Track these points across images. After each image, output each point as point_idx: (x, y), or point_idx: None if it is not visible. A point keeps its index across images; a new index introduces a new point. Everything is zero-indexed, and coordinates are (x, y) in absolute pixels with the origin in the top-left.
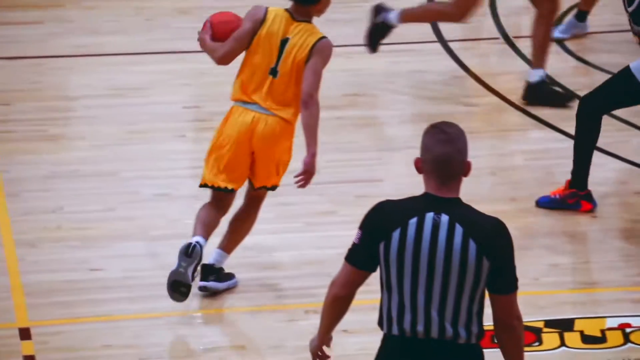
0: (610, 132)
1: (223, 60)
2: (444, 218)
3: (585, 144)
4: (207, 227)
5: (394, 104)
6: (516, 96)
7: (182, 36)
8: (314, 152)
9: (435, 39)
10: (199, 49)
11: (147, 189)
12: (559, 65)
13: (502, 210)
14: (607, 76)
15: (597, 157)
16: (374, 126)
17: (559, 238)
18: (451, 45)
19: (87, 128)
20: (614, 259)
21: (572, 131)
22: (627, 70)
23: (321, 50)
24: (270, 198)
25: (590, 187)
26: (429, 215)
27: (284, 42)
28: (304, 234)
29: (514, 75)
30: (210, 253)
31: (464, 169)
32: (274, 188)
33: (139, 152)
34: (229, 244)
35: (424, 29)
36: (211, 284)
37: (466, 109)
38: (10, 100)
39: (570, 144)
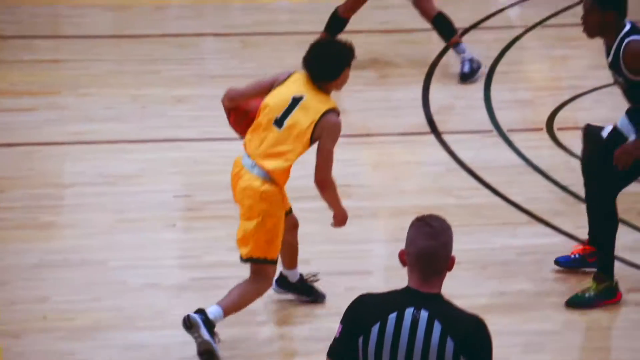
0: None
1: (230, 92)
2: (424, 314)
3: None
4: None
5: (385, 196)
6: (508, 190)
7: (178, 124)
8: (337, 213)
9: (429, 131)
10: (194, 137)
11: (135, 279)
12: None
13: (490, 304)
14: None
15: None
16: (365, 217)
17: (545, 336)
18: (445, 137)
19: (77, 216)
20: (604, 358)
21: (564, 227)
22: (614, 129)
23: (329, 129)
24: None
25: (581, 283)
26: (409, 311)
27: (298, 99)
28: (296, 326)
29: (506, 169)
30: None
31: (448, 264)
32: (251, 260)
33: (128, 241)
34: (224, 303)
35: (419, 120)
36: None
37: (457, 201)
38: (2, 187)
39: (561, 238)
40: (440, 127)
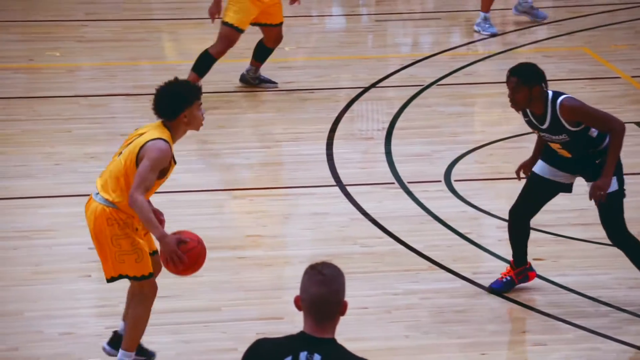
0: (497, 273)
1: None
2: (317, 358)
3: (517, 238)
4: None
5: (295, 245)
6: (410, 238)
7: (89, 180)
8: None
9: (334, 183)
10: None
11: (51, 328)
12: None
13: (397, 346)
14: None
15: (488, 297)
16: (275, 266)
17: None
18: (349, 189)
19: None
20: None
21: (463, 272)
22: (533, 175)
23: (149, 150)
24: (172, 335)
25: (480, 324)
26: (303, 355)
27: (141, 134)
28: None
29: (407, 219)
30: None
31: (340, 309)
32: (134, 278)
33: (44, 292)
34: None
35: (325, 174)
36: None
37: (362, 249)
38: None
39: (461, 282)
40: (345, 179)
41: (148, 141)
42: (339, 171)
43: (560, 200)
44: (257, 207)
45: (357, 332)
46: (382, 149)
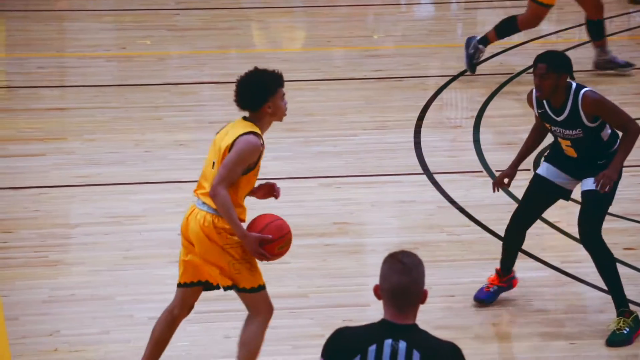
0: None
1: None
2: (402, 345)
3: (511, 245)
4: None
5: (381, 232)
6: (498, 227)
7: (178, 167)
8: (237, 234)
9: (422, 171)
10: (194, 178)
11: (141, 313)
12: None
13: (484, 334)
14: None
15: (576, 286)
16: (362, 253)
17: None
18: (436, 177)
19: (85, 254)
20: None
21: (550, 260)
22: (536, 176)
23: (237, 143)
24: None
25: (567, 314)
26: (388, 342)
27: (223, 137)
28: (291, 356)
29: (495, 207)
30: None
31: (420, 297)
32: (250, 290)
33: (134, 276)
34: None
35: (412, 162)
36: None
37: (449, 238)
38: (12, 227)
39: (550, 272)
40: (432, 167)
41: (238, 137)
42: (427, 159)
43: None
44: (344, 195)
45: (444, 320)
46: (471, 137)
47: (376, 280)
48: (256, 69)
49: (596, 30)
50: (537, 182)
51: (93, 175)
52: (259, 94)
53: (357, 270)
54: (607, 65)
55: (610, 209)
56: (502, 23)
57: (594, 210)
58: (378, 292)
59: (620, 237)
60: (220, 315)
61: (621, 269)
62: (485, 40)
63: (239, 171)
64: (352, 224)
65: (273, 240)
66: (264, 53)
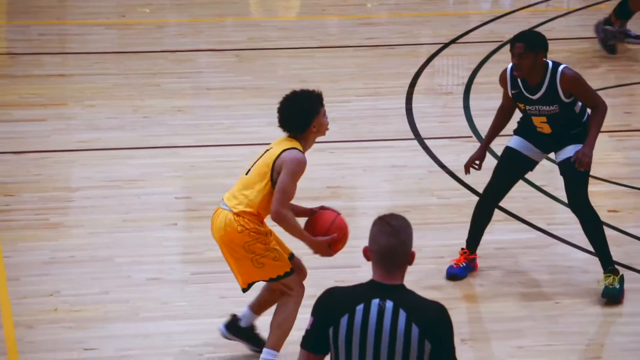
0: (574, 223)
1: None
2: (389, 304)
3: (480, 220)
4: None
5: (373, 196)
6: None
7: (176, 132)
8: (308, 244)
9: (413, 137)
10: (191, 143)
11: (139, 274)
12: None
13: (472, 294)
14: None
15: (562, 247)
16: (354, 216)
17: (523, 322)
18: (427, 142)
19: (84, 217)
20: (576, 342)
21: (538, 223)
22: (508, 149)
23: (287, 162)
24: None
25: (552, 274)
26: (375, 302)
27: (268, 149)
28: None
29: (484, 172)
30: None
31: (408, 259)
32: (277, 278)
33: (132, 239)
34: (272, 341)
35: (404, 127)
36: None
37: (439, 201)
38: (14, 191)
39: (536, 234)
40: (423, 133)
41: (282, 151)
42: (418, 125)
43: (636, 153)
44: (337, 160)
45: (433, 280)
46: (461, 104)
47: (367, 243)
48: (296, 92)
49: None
50: (510, 155)
51: (93, 140)
52: (304, 118)
53: (349, 233)
54: (616, 35)
55: (597, 173)
56: (618, 5)
57: (579, 177)
58: (367, 253)
59: (605, 200)
60: (216, 276)
61: (605, 231)
62: (609, 21)
63: (294, 189)
64: (344, 188)
65: (338, 239)
66: (260, 21)
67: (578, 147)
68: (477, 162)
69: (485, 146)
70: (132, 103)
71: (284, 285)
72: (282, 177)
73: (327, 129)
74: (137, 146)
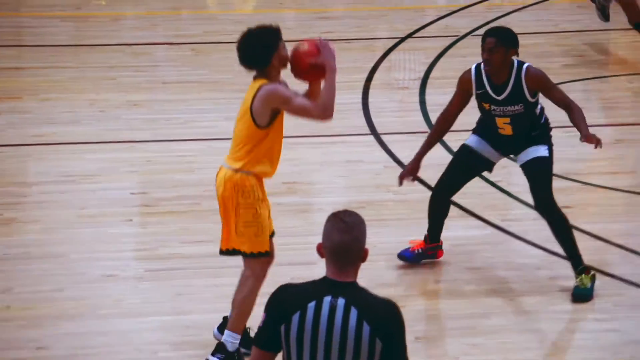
0: (528, 220)
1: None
2: (341, 301)
3: (437, 213)
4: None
5: (329, 192)
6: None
7: (132, 127)
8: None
9: (369, 132)
10: (148, 138)
11: (94, 270)
12: None
13: (429, 290)
14: None
15: (516, 244)
16: (310, 212)
17: (478, 319)
18: (383, 137)
19: (40, 212)
20: (531, 339)
21: (492, 219)
22: (465, 147)
23: (268, 96)
24: (207, 278)
25: (507, 271)
26: (327, 299)
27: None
28: None
29: (440, 167)
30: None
31: (361, 255)
32: (251, 255)
33: (88, 235)
34: (231, 323)
35: (360, 123)
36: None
37: (395, 197)
38: None
39: (491, 230)
40: (379, 128)
41: (254, 95)
42: (374, 120)
43: (589, 149)
44: (292, 155)
45: (390, 277)
46: (417, 99)
47: (321, 239)
48: (253, 29)
49: None
50: (466, 153)
51: (48, 135)
52: (264, 53)
53: (305, 229)
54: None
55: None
56: None
57: (543, 178)
58: (321, 250)
59: (559, 196)
60: (171, 273)
61: None
62: None
63: (296, 99)
64: (300, 184)
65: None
66: (217, 14)
67: (539, 148)
68: (412, 174)
69: (420, 158)
70: (88, 97)
71: (250, 263)
72: (287, 105)
73: (289, 60)
74: (93, 141)
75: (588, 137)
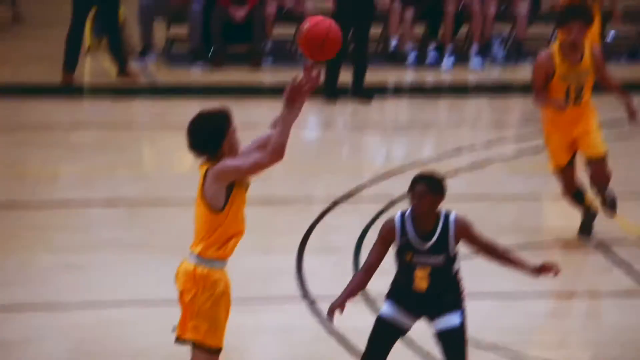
0: None
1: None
2: None
3: None
4: None
5: None
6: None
7: None
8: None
9: (302, 297)
10: None
11: None
12: None
13: None
14: None
15: None
16: None
17: None
18: (317, 303)
19: None
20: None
21: None
22: (381, 320)
23: (214, 173)
24: None
25: None
26: None
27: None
28: None
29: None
30: None
31: None
32: (201, 347)
33: None
34: None
35: (292, 286)
36: None
37: None
38: None
39: None
40: (314, 292)
41: (203, 180)
42: (308, 284)
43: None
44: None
45: None
46: (352, 261)
47: None
48: (202, 114)
49: None
50: (383, 326)
51: None
52: (213, 140)
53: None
54: None
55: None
56: None
57: (459, 346)
58: None
59: None
60: None
61: None
62: None
63: (244, 161)
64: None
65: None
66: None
67: (453, 317)
68: (338, 311)
69: (344, 301)
70: None
71: (199, 358)
72: (237, 177)
73: (240, 145)
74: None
75: (543, 267)
